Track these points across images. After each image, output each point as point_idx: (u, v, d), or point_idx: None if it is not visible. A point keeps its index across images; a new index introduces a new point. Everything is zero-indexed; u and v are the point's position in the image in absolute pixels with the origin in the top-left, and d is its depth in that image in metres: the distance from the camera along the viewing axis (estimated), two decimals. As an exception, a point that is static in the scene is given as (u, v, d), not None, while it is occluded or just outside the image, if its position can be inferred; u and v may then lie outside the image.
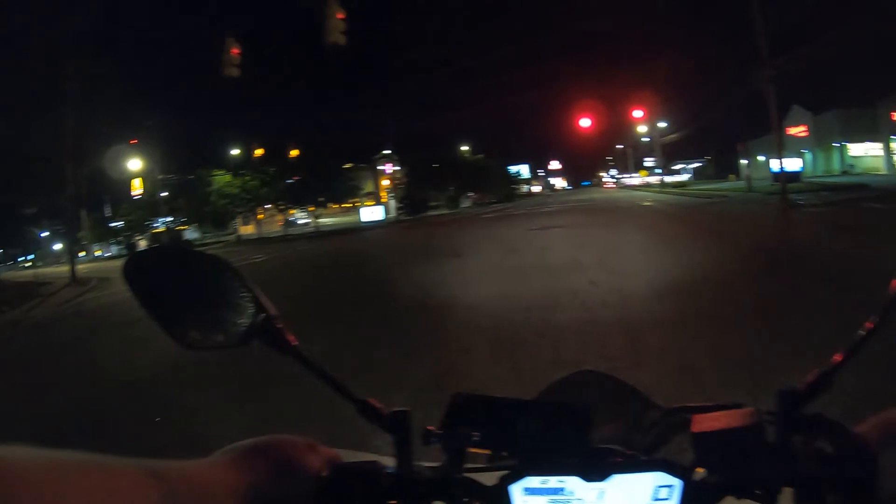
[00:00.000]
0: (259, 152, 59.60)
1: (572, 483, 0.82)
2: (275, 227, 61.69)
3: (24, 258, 75.27)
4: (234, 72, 25.79)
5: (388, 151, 71.23)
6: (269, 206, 57.24)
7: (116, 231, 62.28)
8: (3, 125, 28.24)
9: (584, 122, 57.77)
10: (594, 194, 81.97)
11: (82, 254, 64.04)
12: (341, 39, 23.26)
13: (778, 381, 0.81)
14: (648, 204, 40.98)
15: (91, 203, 59.24)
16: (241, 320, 0.86)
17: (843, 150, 61.98)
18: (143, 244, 58.73)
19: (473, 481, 0.85)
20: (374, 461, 0.88)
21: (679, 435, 0.88)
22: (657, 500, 0.81)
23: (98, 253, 66.36)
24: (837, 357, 0.80)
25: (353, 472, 0.86)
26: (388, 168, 73.05)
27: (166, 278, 0.88)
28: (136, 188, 57.95)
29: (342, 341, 8.51)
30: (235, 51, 25.67)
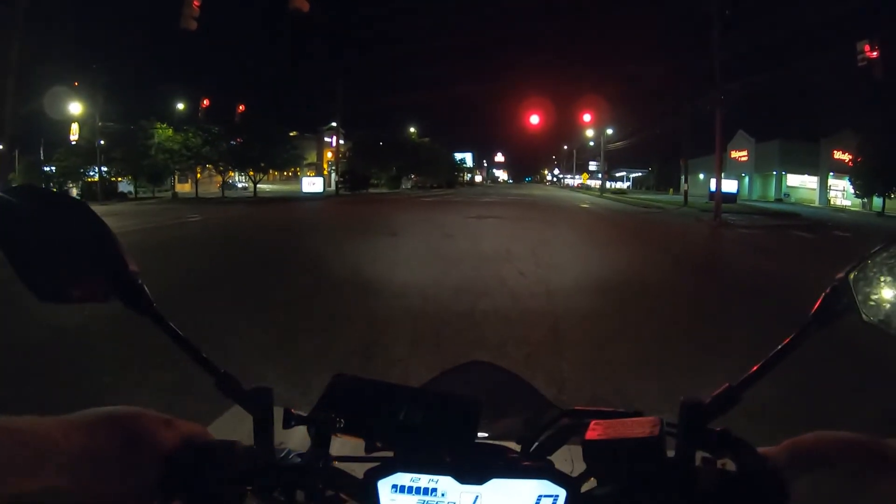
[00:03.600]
0: (206, 103, 58.16)
1: (446, 483, 0.76)
2: (213, 188, 60.21)
3: None
4: (192, 24, 25.09)
5: (335, 124, 70.42)
6: (209, 166, 55.99)
7: (49, 176, 60.22)
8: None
9: (534, 119, 57.85)
10: (535, 191, 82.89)
11: None
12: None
13: (684, 381, 0.72)
14: (586, 206, 41.74)
15: (25, 145, 57.24)
16: (101, 275, 0.79)
17: (780, 178, 63.85)
18: (74, 192, 55.62)
19: (340, 472, 0.80)
20: (236, 442, 0.81)
21: (573, 440, 0.80)
22: None
23: None
24: (749, 372, 0.74)
25: (207, 451, 0.79)
26: (334, 140, 72.38)
27: (29, 222, 0.78)
28: (73, 133, 55.69)
29: (263, 311, 8.22)
30: (197, 3, 25.03)
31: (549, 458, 0.81)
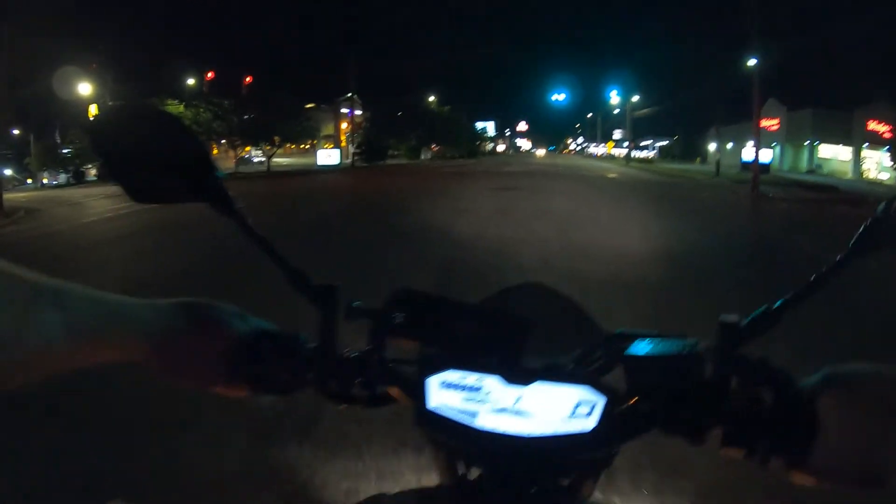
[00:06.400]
0: (210, 76, 57.27)
1: (491, 383, 0.81)
2: (229, 163, 58.61)
3: None
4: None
5: (352, 94, 68.82)
6: (224, 141, 55.10)
7: (65, 159, 59.44)
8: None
9: (559, 95, 56.18)
10: (558, 160, 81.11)
11: (29, 181, 62.12)
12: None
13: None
14: (613, 176, 39.85)
15: (41, 129, 58.48)
16: (190, 178, 0.85)
17: (813, 149, 61.20)
18: (92, 173, 56.90)
19: (394, 369, 0.86)
20: (299, 333, 0.89)
21: (615, 359, 0.84)
22: (576, 415, 0.79)
23: (45, 181, 62.19)
24: (787, 296, 0.76)
25: (273, 338, 0.88)
26: (351, 112, 70.77)
27: (122, 135, 0.86)
28: (91, 114, 54.91)
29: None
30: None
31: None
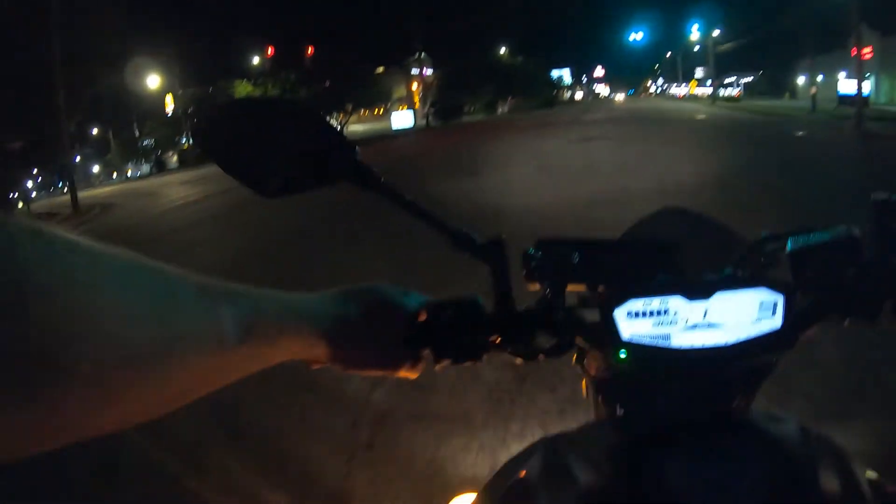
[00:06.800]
0: (271, 52, 57.43)
1: (675, 303, 0.82)
2: None
3: (60, 184, 76.71)
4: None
5: (422, 54, 67.60)
6: None
7: (146, 150, 61.64)
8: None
9: (636, 34, 53.60)
10: (640, 104, 78.28)
11: (115, 175, 64.77)
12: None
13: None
14: (702, 117, 37.34)
15: (118, 124, 60.47)
16: (324, 160, 0.84)
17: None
18: (173, 160, 58.81)
19: (576, 314, 0.86)
20: (473, 296, 0.88)
21: (774, 260, 0.90)
22: (761, 317, 0.82)
23: (129, 173, 64.82)
24: None
25: (453, 306, 0.88)
26: (423, 72, 69.47)
27: (238, 132, 0.84)
28: (168, 105, 56.65)
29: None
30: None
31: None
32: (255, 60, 59.48)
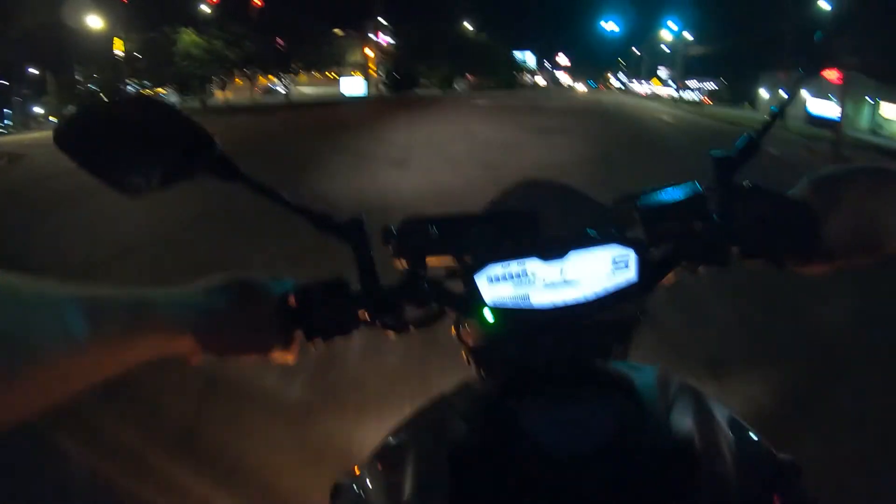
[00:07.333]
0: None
1: (533, 265, 0.87)
2: (253, 94, 56.83)
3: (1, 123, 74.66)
4: None
5: (380, 19, 64.80)
6: (247, 70, 52.25)
7: (88, 94, 55.92)
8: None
9: (608, 24, 51.60)
10: (602, 96, 76.44)
11: (53, 119, 60.21)
12: None
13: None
14: (668, 121, 35.26)
15: (58, 65, 56.77)
16: (184, 154, 0.83)
17: (875, 107, 55.93)
18: None
19: (439, 283, 0.90)
20: (338, 277, 0.90)
21: (630, 220, 0.92)
22: (616, 272, 0.87)
23: None
24: (764, 124, 0.88)
25: (320, 286, 0.90)
26: (382, 38, 66.43)
27: (99, 132, 0.83)
28: (117, 49, 52.68)
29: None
30: None
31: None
32: (203, 7, 55.85)
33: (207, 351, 0.82)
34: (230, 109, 43.99)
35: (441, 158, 14.56)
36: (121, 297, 0.69)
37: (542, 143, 17.48)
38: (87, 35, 47.92)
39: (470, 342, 1.03)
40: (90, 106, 0.84)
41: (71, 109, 57.24)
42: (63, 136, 0.81)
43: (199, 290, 0.84)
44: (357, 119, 28.57)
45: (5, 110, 64.60)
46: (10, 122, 72.97)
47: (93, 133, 0.81)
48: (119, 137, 0.80)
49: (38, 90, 63.87)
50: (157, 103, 0.82)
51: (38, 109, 66.32)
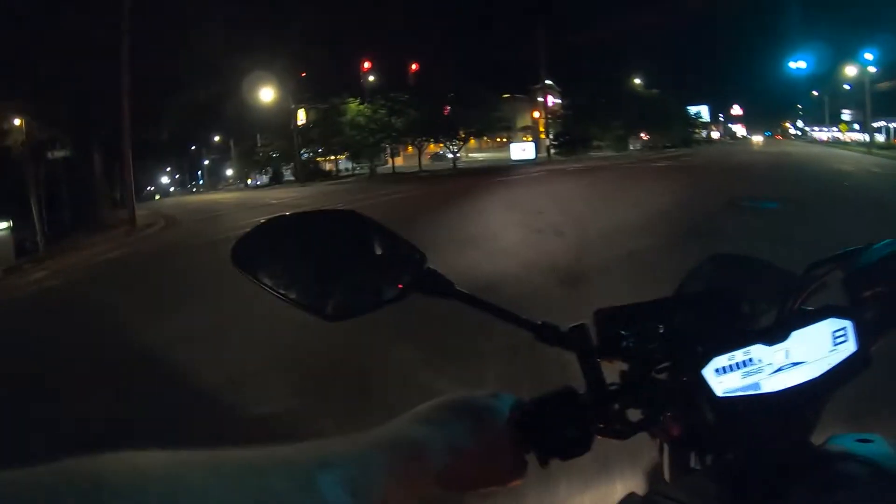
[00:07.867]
0: (366, 66, 57.05)
1: (757, 351, 0.84)
2: (422, 161, 57.40)
3: (194, 183, 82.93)
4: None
5: (548, 82, 64.12)
6: (419, 140, 54.18)
7: (264, 160, 63.74)
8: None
9: (798, 63, 48.13)
10: (785, 147, 71.67)
11: (240, 182, 69.61)
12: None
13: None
14: (877, 171, 28.58)
15: (240, 134, 63.66)
16: (392, 274, 0.80)
17: None
18: (289, 173, 60.55)
19: (663, 381, 0.87)
20: (564, 387, 0.86)
21: (822, 286, 0.93)
22: (837, 344, 0.85)
23: (249, 182, 68.28)
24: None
25: (551, 401, 0.84)
26: (550, 100, 65.65)
27: (286, 250, 0.79)
28: (300, 118, 57.05)
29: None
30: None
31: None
32: (371, 79, 59.30)
33: (442, 486, 0.73)
34: (409, 176, 45.51)
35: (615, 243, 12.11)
36: (367, 446, 0.64)
37: (740, 219, 14.59)
38: (266, 106, 51.26)
39: (679, 435, 0.90)
40: (271, 219, 0.78)
41: (251, 172, 61.77)
42: (241, 256, 0.75)
43: (428, 419, 0.75)
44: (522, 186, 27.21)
45: (198, 172, 73.17)
46: (202, 182, 79.39)
47: (276, 249, 0.76)
48: (308, 254, 0.76)
49: (223, 156, 72.08)
50: (354, 217, 0.78)
51: (227, 172, 74.05)
